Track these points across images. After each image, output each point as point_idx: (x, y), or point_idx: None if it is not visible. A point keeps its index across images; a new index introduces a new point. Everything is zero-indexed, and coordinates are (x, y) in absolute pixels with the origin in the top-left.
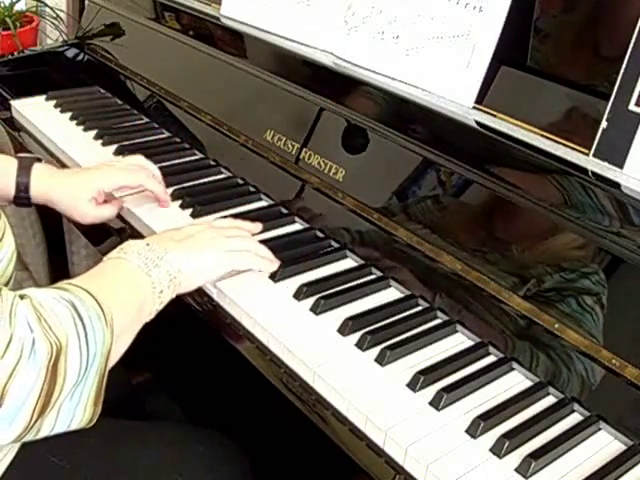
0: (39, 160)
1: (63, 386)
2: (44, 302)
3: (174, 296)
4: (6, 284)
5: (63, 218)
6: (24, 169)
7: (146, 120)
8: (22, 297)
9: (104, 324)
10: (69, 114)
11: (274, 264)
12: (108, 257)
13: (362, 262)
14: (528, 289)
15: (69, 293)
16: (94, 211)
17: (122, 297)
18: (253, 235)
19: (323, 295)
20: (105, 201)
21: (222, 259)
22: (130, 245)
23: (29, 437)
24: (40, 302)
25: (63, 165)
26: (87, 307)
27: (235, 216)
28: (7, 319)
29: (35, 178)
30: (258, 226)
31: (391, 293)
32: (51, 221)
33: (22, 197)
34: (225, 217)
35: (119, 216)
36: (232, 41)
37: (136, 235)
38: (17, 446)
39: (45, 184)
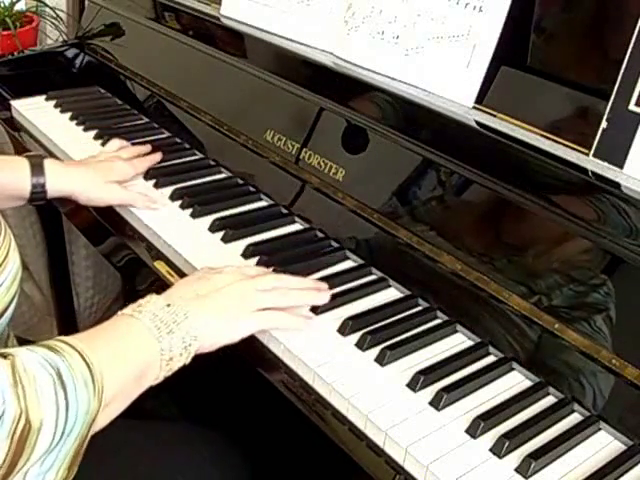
0: (44, 157)
1: (30, 456)
2: (29, 367)
3: (187, 362)
4: (10, 302)
5: (63, 218)
6: (37, 168)
7: (146, 120)
8: (5, 356)
9: (91, 393)
10: (69, 114)
11: (321, 297)
12: (123, 312)
13: (362, 262)
14: (528, 289)
15: (59, 356)
16: (120, 189)
17: (122, 362)
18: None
19: None
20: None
21: (249, 323)
22: (148, 303)
23: None
24: (25, 366)
25: None
26: (74, 375)
27: (235, 216)
28: None
29: (50, 175)
30: (306, 282)
31: (391, 293)
32: (51, 221)
33: (38, 195)
34: (225, 217)
35: (119, 216)
36: (232, 41)
37: (135, 235)
38: None
39: (63, 178)
